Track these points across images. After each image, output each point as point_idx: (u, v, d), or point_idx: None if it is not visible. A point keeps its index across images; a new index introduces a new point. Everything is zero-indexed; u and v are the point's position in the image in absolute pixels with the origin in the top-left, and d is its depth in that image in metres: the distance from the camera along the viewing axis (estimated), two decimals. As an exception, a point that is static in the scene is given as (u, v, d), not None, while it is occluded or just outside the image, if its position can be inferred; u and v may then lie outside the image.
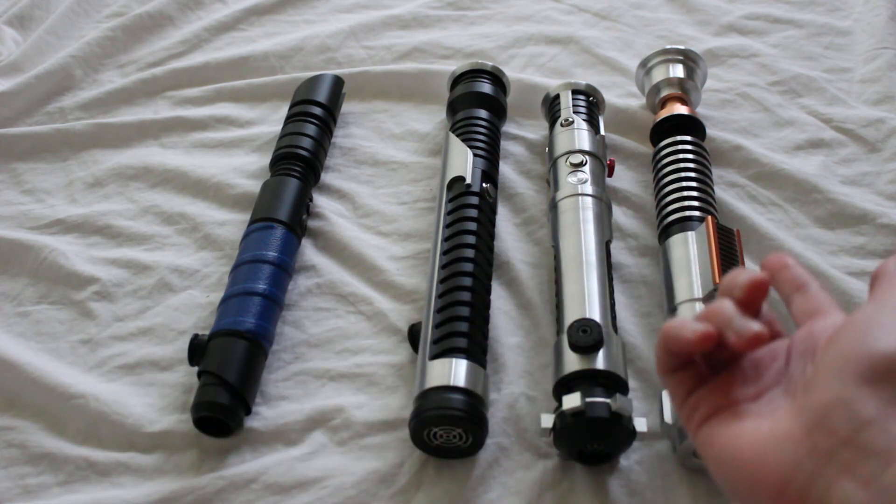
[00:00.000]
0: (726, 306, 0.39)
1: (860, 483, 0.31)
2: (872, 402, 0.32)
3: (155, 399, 0.61)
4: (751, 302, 0.40)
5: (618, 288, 0.66)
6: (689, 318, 0.39)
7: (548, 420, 0.54)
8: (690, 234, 0.64)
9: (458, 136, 0.74)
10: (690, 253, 0.62)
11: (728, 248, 0.61)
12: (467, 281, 0.61)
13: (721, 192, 0.73)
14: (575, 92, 0.78)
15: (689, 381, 0.40)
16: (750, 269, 0.41)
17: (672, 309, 0.60)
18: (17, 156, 0.82)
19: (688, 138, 0.72)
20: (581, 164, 0.70)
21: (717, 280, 0.58)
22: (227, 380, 0.57)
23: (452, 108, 0.80)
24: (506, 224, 0.72)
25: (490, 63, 0.82)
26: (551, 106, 0.79)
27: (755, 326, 0.37)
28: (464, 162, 0.71)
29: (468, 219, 0.66)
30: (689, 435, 0.40)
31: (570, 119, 0.75)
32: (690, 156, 0.71)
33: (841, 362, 0.34)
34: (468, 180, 0.69)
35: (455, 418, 0.53)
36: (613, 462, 0.55)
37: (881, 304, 0.37)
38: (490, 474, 0.55)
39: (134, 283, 0.69)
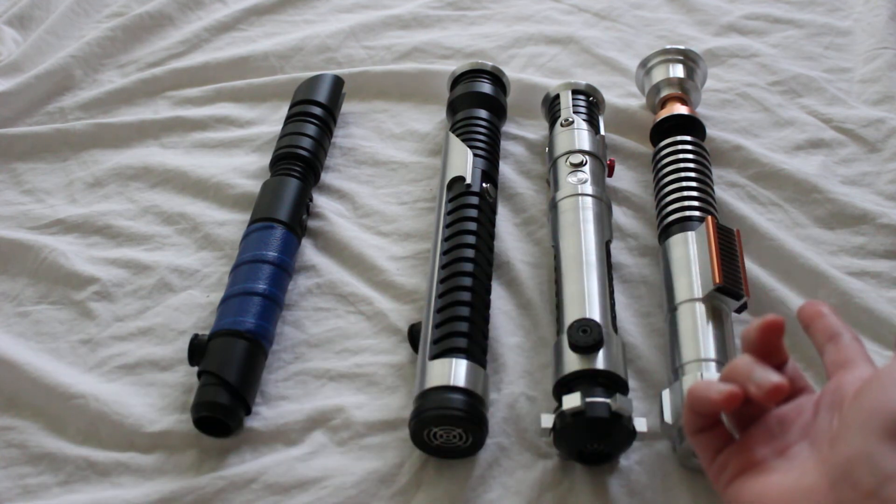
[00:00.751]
0: (745, 360, 0.40)
1: None
2: (894, 457, 0.33)
3: (155, 399, 0.61)
4: (768, 345, 0.41)
5: (618, 288, 0.66)
6: (714, 380, 0.40)
7: (548, 420, 0.54)
8: (690, 234, 0.64)
9: (458, 136, 0.74)
10: (690, 253, 0.62)
11: (728, 248, 0.61)
12: (467, 281, 0.61)
13: (721, 192, 0.73)
14: (575, 92, 0.78)
15: (717, 441, 0.42)
16: (770, 316, 0.42)
17: (672, 308, 0.60)
18: (17, 156, 0.82)
19: (688, 138, 0.72)
20: (581, 164, 0.70)
21: (718, 280, 0.58)
22: (227, 380, 0.57)
23: (452, 108, 0.80)
24: (506, 224, 0.72)
25: (490, 63, 0.82)
26: (551, 106, 0.79)
27: (774, 378, 0.38)
28: (464, 162, 0.71)
29: (468, 219, 0.66)
30: (718, 492, 0.41)
31: (570, 119, 0.75)
32: (690, 156, 0.71)
33: (865, 417, 0.35)
34: (468, 180, 0.69)
35: (455, 418, 0.53)
36: (613, 462, 0.55)
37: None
38: (490, 474, 0.55)
39: (134, 283, 0.69)
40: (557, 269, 0.63)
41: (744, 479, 0.39)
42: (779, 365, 0.42)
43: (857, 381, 0.39)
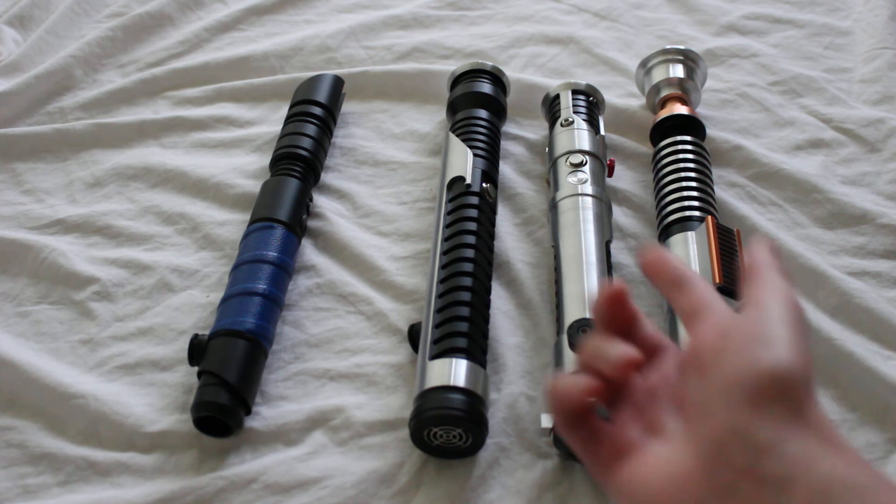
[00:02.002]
0: (593, 343, 0.38)
1: None
2: (765, 426, 0.31)
3: (155, 399, 0.61)
4: (617, 315, 0.39)
5: (618, 288, 0.66)
6: (570, 374, 0.38)
7: (548, 420, 0.54)
8: (690, 234, 0.64)
9: (458, 136, 0.74)
10: (690, 253, 0.62)
11: (728, 248, 0.61)
12: (467, 281, 0.61)
13: (721, 192, 0.73)
14: (575, 92, 0.78)
15: (594, 433, 0.38)
16: (610, 285, 0.40)
17: (672, 309, 0.60)
18: (17, 156, 0.82)
19: (688, 138, 0.72)
20: (581, 164, 0.70)
21: (718, 280, 0.58)
22: (227, 380, 0.57)
23: (452, 108, 0.80)
24: (506, 224, 0.72)
25: (490, 63, 0.82)
26: (551, 106, 0.79)
27: (622, 351, 0.36)
28: (464, 162, 0.71)
29: (468, 219, 0.66)
30: (603, 489, 0.38)
31: (570, 119, 0.75)
32: (690, 156, 0.71)
33: (727, 387, 0.33)
34: (468, 180, 0.69)
35: (455, 418, 0.53)
36: (613, 462, 0.55)
37: (758, 311, 0.35)
38: (490, 474, 0.55)
39: (134, 283, 0.69)
40: (557, 269, 0.63)
41: (619, 467, 0.36)
42: (632, 329, 0.40)
43: (713, 334, 0.35)
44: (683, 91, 0.78)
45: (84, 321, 0.66)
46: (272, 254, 0.65)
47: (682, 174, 0.69)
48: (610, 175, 0.73)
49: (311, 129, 0.77)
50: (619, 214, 0.73)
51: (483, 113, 0.77)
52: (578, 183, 0.69)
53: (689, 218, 0.65)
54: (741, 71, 0.88)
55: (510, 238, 0.71)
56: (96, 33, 0.94)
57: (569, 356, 0.55)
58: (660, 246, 0.41)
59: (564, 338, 0.56)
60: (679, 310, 0.39)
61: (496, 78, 0.82)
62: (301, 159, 0.74)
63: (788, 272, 0.39)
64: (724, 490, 0.31)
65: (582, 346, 0.39)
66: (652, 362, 0.39)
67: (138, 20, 0.96)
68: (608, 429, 0.38)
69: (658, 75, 0.79)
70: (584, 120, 0.75)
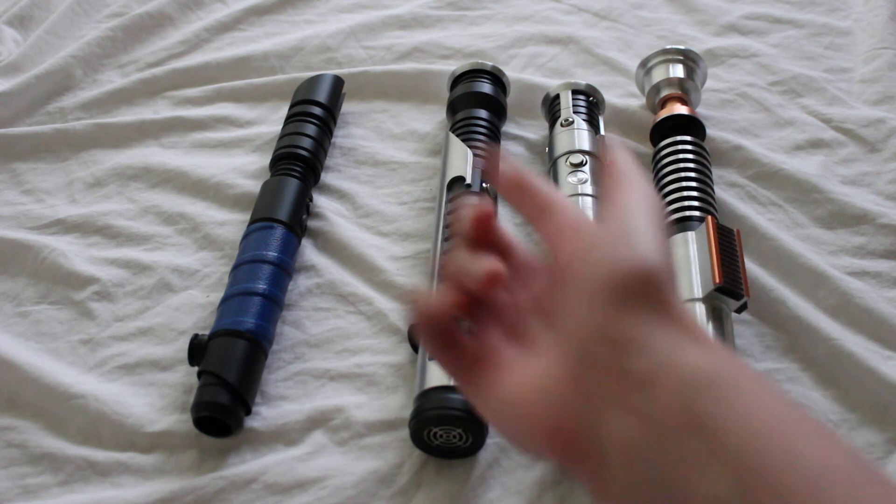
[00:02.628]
0: (455, 259, 0.36)
1: (631, 415, 0.29)
2: (628, 323, 0.30)
3: (155, 399, 0.61)
4: (483, 235, 0.37)
5: (618, 288, 0.66)
6: (430, 291, 0.37)
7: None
8: (690, 234, 0.64)
9: (458, 136, 0.74)
10: (690, 253, 0.62)
11: (728, 248, 0.61)
12: (467, 281, 0.61)
13: (721, 192, 0.73)
14: (575, 92, 0.78)
15: (459, 351, 0.36)
16: (474, 203, 0.38)
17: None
18: (17, 156, 0.82)
19: (688, 138, 0.72)
20: (581, 164, 0.70)
21: (718, 280, 0.58)
22: (227, 380, 0.57)
23: (452, 108, 0.80)
24: (506, 224, 0.72)
25: (490, 63, 0.82)
26: (551, 106, 0.79)
27: (487, 265, 0.35)
28: (464, 162, 0.71)
29: (468, 219, 0.66)
30: (479, 411, 0.37)
31: (570, 119, 0.75)
32: (690, 156, 0.71)
33: (591, 289, 0.32)
34: (468, 180, 0.69)
35: (455, 418, 0.53)
36: (613, 462, 0.55)
37: (619, 213, 0.34)
38: (490, 474, 0.55)
39: (134, 283, 0.69)
40: (557, 269, 0.63)
41: (490, 383, 0.35)
42: (504, 255, 0.38)
43: (580, 245, 0.34)
44: (683, 91, 0.78)
45: (84, 321, 0.66)
46: (272, 254, 0.65)
47: (682, 174, 0.69)
48: (610, 175, 0.73)
49: (311, 129, 0.77)
50: (619, 214, 0.72)
51: (483, 113, 0.77)
52: (578, 183, 0.69)
53: (689, 218, 0.65)
54: (741, 71, 0.88)
55: (510, 238, 0.71)
56: (96, 33, 0.94)
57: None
58: (514, 160, 0.39)
59: (564, 338, 0.56)
60: (544, 234, 0.37)
61: (496, 78, 0.82)
62: (301, 159, 0.74)
63: (647, 176, 0.38)
64: (592, 392, 0.30)
65: (447, 267, 0.37)
66: (523, 281, 0.38)
67: (138, 20, 0.96)
68: (476, 346, 0.36)
69: (658, 75, 0.79)
70: (584, 120, 0.75)
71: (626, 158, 0.38)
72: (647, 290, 0.31)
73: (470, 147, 0.72)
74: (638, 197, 0.35)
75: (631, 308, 0.31)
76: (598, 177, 0.70)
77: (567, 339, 0.32)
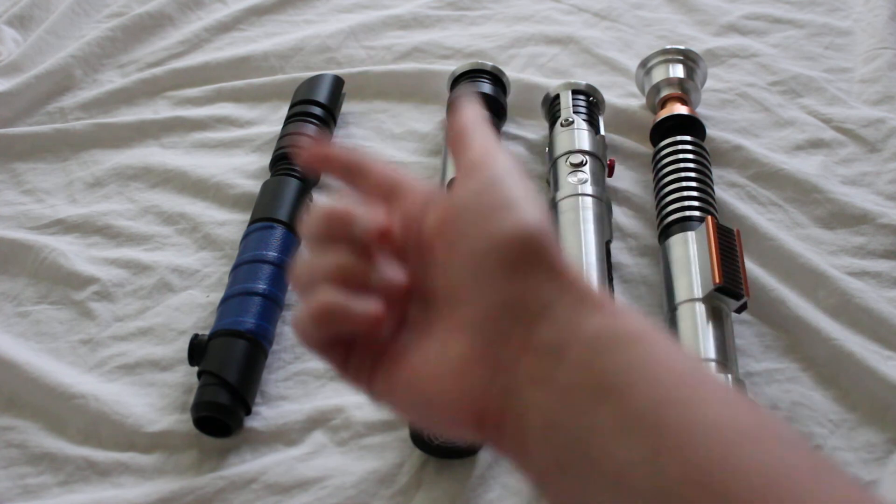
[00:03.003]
0: (328, 296, 0.32)
1: (542, 384, 0.29)
2: (525, 292, 0.30)
3: (155, 399, 0.61)
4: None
5: (618, 288, 0.66)
6: (341, 295, 0.32)
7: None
8: (690, 234, 0.64)
9: (458, 136, 0.74)
10: (690, 253, 0.62)
11: (728, 248, 0.61)
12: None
13: (721, 192, 0.73)
14: (575, 92, 0.78)
15: (343, 346, 0.34)
16: (318, 206, 0.34)
17: (672, 308, 0.60)
18: (17, 156, 0.82)
19: (688, 138, 0.72)
20: (581, 164, 0.70)
21: (718, 280, 0.58)
22: (227, 380, 0.57)
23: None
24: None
25: (490, 63, 0.82)
26: (551, 106, 0.79)
27: (369, 308, 0.32)
28: (464, 162, 0.70)
29: (468, 219, 0.66)
30: (367, 396, 0.35)
31: (570, 119, 0.75)
32: (690, 156, 0.71)
33: (477, 261, 0.31)
34: (468, 180, 0.69)
35: (455, 418, 0.53)
36: (613, 462, 0.55)
37: (478, 174, 0.32)
38: (490, 474, 0.55)
39: (134, 283, 0.69)
40: (557, 269, 0.63)
41: (386, 370, 0.33)
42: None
43: (427, 212, 0.32)
44: (683, 91, 0.78)
45: (84, 321, 0.66)
46: (272, 254, 0.65)
47: (682, 174, 0.69)
48: (610, 175, 0.73)
49: (311, 130, 0.77)
50: (619, 214, 0.73)
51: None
52: (578, 183, 0.69)
53: (689, 218, 0.65)
54: (741, 71, 0.88)
55: (510, 238, 0.71)
56: (96, 33, 0.94)
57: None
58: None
59: (564, 338, 0.56)
60: (398, 215, 0.34)
61: (496, 78, 0.82)
62: (301, 159, 0.74)
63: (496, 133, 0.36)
64: (500, 366, 0.30)
65: (321, 303, 0.32)
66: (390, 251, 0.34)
67: (138, 20, 0.96)
68: (362, 335, 0.34)
69: (658, 75, 0.79)
70: (584, 120, 0.75)
71: (472, 115, 0.35)
72: (536, 255, 0.30)
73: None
74: (498, 157, 0.33)
75: (524, 276, 0.30)
76: (597, 177, 0.70)
77: (466, 316, 0.31)
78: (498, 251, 0.30)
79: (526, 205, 0.31)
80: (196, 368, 0.60)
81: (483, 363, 0.30)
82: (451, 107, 0.35)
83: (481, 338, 0.31)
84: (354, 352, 0.34)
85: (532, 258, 0.30)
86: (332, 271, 0.32)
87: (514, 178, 0.32)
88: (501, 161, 0.33)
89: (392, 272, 0.34)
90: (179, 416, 0.59)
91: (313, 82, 0.82)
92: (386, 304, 0.33)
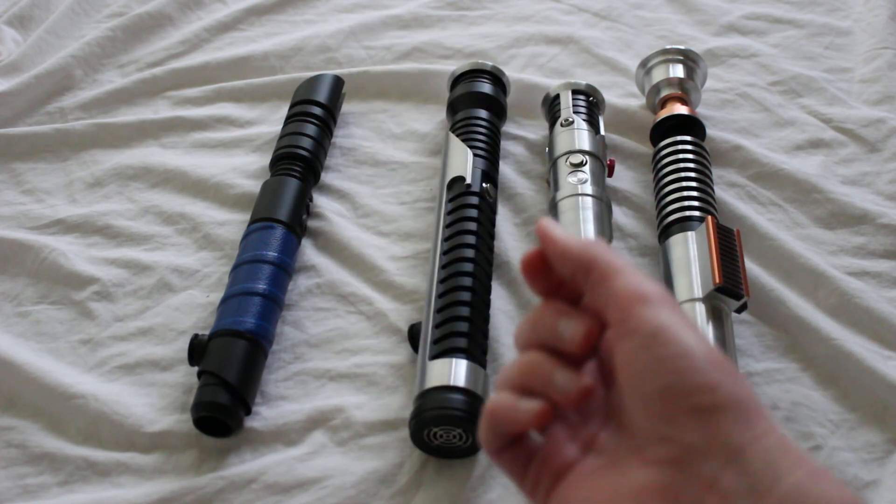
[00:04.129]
0: (538, 360, 0.34)
1: None
2: (720, 437, 0.30)
3: (155, 399, 0.61)
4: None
5: (618, 288, 0.66)
6: (513, 397, 0.34)
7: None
8: (690, 234, 0.64)
9: (458, 136, 0.74)
10: (690, 253, 0.62)
11: (728, 248, 0.61)
12: (467, 281, 0.61)
13: (721, 192, 0.73)
14: (575, 92, 0.78)
15: (524, 454, 0.35)
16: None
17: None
18: (17, 156, 0.82)
19: (688, 138, 0.72)
20: (581, 164, 0.70)
21: (718, 280, 0.58)
22: (227, 380, 0.57)
23: (452, 108, 0.80)
24: (506, 224, 0.72)
25: (490, 63, 0.82)
26: (551, 106, 0.79)
27: (579, 382, 0.33)
28: (464, 162, 0.71)
29: (468, 219, 0.66)
30: None
31: (570, 119, 0.75)
32: (690, 156, 0.71)
33: (670, 407, 0.31)
34: (468, 180, 0.69)
35: (455, 418, 0.53)
36: (613, 462, 0.55)
37: (661, 321, 0.32)
38: (490, 474, 0.55)
39: (134, 283, 0.69)
40: (557, 269, 0.63)
41: (561, 491, 0.34)
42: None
43: (635, 345, 0.32)
44: (683, 91, 0.78)
45: (84, 321, 0.66)
46: (272, 254, 0.65)
47: (682, 174, 0.69)
48: (610, 175, 0.73)
49: (311, 129, 0.77)
50: (619, 214, 0.73)
51: (483, 113, 0.77)
52: (578, 183, 0.69)
53: (689, 218, 0.65)
54: (741, 71, 0.88)
55: (510, 238, 0.71)
56: (96, 33, 0.94)
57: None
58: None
59: (564, 338, 0.56)
60: (601, 306, 0.34)
61: (496, 78, 0.82)
62: (301, 159, 0.74)
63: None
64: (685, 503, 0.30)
65: (525, 365, 0.35)
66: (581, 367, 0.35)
67: (138, 20, 0.96)
68: (541, 449, 0.35)
69: (658, 75, 0.79)
70: (584, 120, 0.75)
71: (634, 273, 0.33)
72: (728, 401, 0.30)
73: (470, 147, 0.72)
74: (658, 303, 0.32)
75: (716, 422, 0.30)
76: (597, 177, 0.70)
77: (652, 455, 0.31)
78: (688, 399, 0.31)
79: (707, 350, 0.31)
80: (196, 368, 0.60)
81: (663, 496, 0.31)
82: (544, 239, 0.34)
83: (666, 474, 0.31)
84: (533, 464, 0.35)
85: (723, 404, 0.30)
86: (566, 384, 0.33)
87: (686, 325, 0.32)
88: (667, 308, 0.32)
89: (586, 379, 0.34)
90: (179, 416, 0.59)
91: (313, 82, 0.82)
92: (571, 418, 0.34)
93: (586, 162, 0.70)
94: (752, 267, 0.66)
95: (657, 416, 0.31)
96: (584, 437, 0.35)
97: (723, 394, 0.30)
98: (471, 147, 0.72)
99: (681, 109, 0.76)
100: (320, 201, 0.75)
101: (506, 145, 0.80)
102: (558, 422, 0.35)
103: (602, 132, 0.75)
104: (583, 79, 0.84)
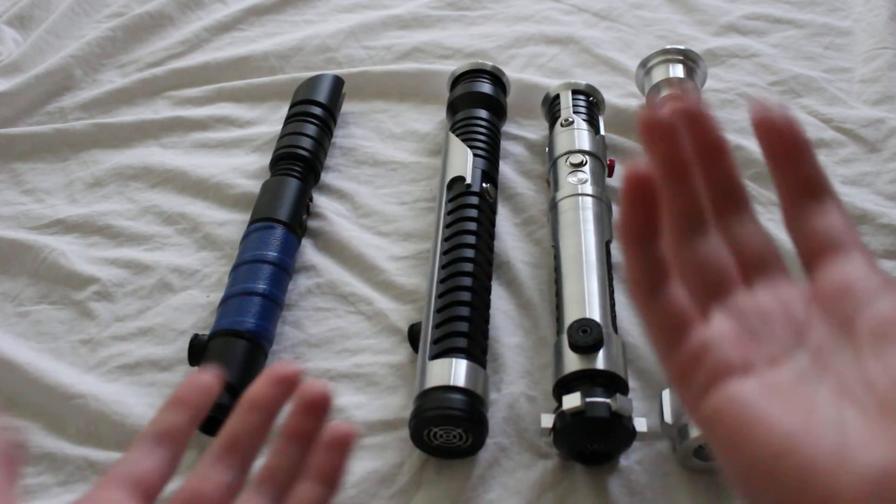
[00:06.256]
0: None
1: None
2: None
3: (155, 399, 0.61)
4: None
5: (618, 288, 0.66)
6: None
7: (548, 420, 0.54)
8: (690, 234, 0.63)
9: (458, 136, 0.74)
10: (690, 253, 0.62)
11: (728, 248, 0.61)
12: (467, 281, 0.61)
13: (721, 192, 0.73)
14: (575, 92, 0.78)
15: (673, 313, 0.30)
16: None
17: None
18: (17, 156, 0.82)
19: (688, 138, 0.72)
20: (581, 164, 0.70)
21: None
22: (228, 380, 0.57)
23: (452, 108, 0.80)
24: (506, 224, 0.72)
25: (490, 63, 0.82)
26: (551, 106, 0.79)
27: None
28: (464, 162, 0.71)
29: (468, 219, 0.66)
30: (686, 402, 0.30)
31: (570, 119, 0.75)
32: (690, 156, 0.71)
33: None
34: (468, 180, 0.69)
35: (455, 418, 0.53)
36: (613, 462, 0.55)
37: None
38: (490, 474, 0.55)
39: (134, 283, 0.69)
40: (557, 269, 0.63)
41: (728, 389, 0.28)
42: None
43: (864, 286, 0.28)
44: (684, 91, 0.78)
45: (84, 321, 0.67)
46: (272, 254, 0.65)
47: (682, 174, 0.69)
48: (610, 175, 0.73)
49: (311, 129, 0.77)
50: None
51: (483, 113, 0.77)
52: (578, 183, 0.69)
53: (689, 218, 0.65)
54: (741, 71, 0.88)
55: (510, 238, 0.71)
56: (96, 33, 0.94)
57: (569, 356, 0.55)
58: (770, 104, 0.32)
59: (564, 338, 0.56)
60: (809, 228, 0.31)
61: (496, 78, 0.82)
62: (301, 159, 0.74)
63: None
64: None
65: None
66: (759, 276, 0.31)
67: (138, 20, 0.97)
68: (708, 339, 0.29)
69: (658, 75, 0.79)
70: (584, 120, 0.75)
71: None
72: None
73: (470, 147, 0.72)
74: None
75: None
76: (597, 177, 0.70)
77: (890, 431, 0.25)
78: None
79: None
80: (196, 368, 0.60)
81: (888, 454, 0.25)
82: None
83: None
84: (697, 339, 0.30)
85: None
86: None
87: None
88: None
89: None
90: (179, 416, 0.59)
91: (313, 82, 0.82)
92: (750, 323, 0.30)
93: (586, 162, 0.70)
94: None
95: None
96: (768, 351, 0.29)
97: None
98: (471, 147, 0.72)
99: (681, 109, 0.76)
100: (320, 201, 0.75)
101: (506, 145, 0.80)
102: (736, 315, 0.30)
103: (602, 132, 0.75)
104: (583, 79, 0.84)
